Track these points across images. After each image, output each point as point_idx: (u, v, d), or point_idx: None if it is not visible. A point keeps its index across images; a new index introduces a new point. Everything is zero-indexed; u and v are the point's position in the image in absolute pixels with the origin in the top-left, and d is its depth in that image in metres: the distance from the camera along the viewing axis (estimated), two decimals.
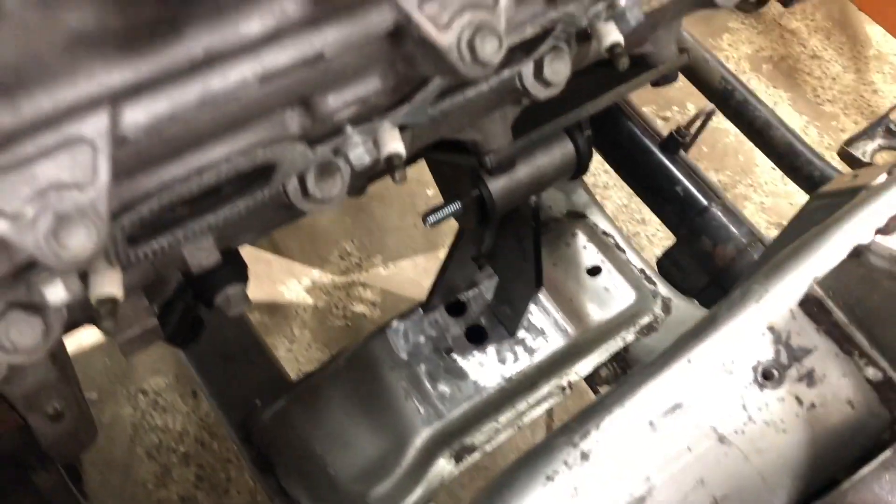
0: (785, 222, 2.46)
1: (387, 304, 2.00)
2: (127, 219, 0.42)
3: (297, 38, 0.39)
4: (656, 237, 2.13)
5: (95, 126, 0.34)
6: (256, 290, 1.96)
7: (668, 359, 0.73)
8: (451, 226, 2.36)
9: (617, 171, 1.41)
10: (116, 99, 0.35)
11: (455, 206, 0.91)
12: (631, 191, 2.24)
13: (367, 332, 1.87)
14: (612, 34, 0.64)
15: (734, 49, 2.57)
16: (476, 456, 1.09)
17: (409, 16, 0.40)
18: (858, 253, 0.68)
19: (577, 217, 1.35)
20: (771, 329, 0.72)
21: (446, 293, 1.18)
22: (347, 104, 0.47)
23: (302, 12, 0.37)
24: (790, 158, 1.37)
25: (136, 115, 0.36)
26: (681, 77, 1.54)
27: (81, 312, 0.58)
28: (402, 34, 0.43)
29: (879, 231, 0.74)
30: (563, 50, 0.65)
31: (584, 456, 0.69)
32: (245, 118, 0.42)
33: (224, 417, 1.23)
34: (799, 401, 0.70)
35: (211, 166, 0.43)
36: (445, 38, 0.41)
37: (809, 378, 0.70)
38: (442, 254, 2.16)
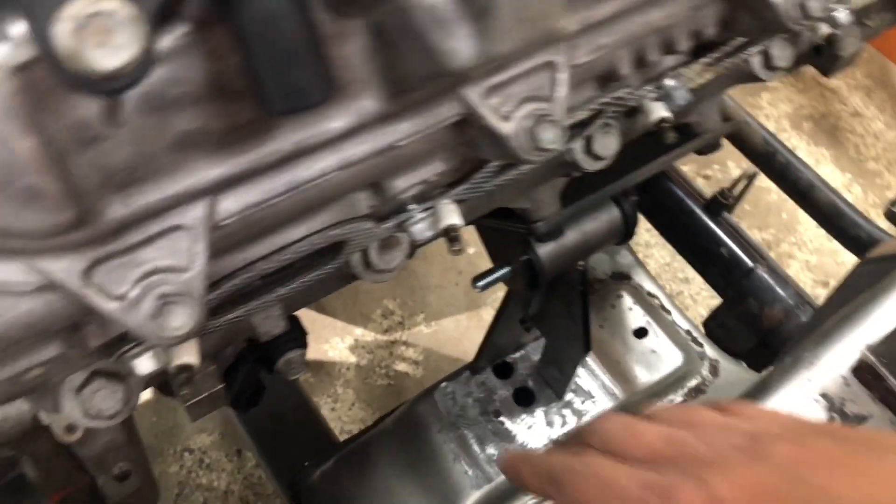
0: (831, 281, 2.42)
1: (429, 363, 2.01)
2: (213, 294, 0.45)
3: (374, 132, 0.42)
4: (700, 296, 2.12)
5: (195, 215, 0.37)
6: None
7: None
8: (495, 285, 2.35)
9: (661, 232, 1.42)
10: (214, 191, 0.38)
11: (504, 271, 0.94)
12: (673, 249, 2.23)
13: (410, 392, 1.88)
14: (658, 110, 0.67)
15: (774, 108, 2.58)
16: None
17: (475, 109, 0.43)
18: None
19: (622, 278, 1.36)
20: (824, 396, 0.72)
21: (493, 355, 1.19)
22: (413, 185, 0.50)
23: (379, 110, 0.41)
24: (836, 220, 1.37)
25: (230, 205, 0.39)
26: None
27: (153, 378, 0.61)
28: (466, 123, 0.46)
29: None
30: (612, 126, 0.68)
31: None
32: (322, 202, 0.45)
33: (273, 478, 1.25)
34: None
35: (289, 245, 0.46)
36: (507, 127, 0.44)
37: None
38: (484, 312, 2.18)
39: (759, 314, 1.26)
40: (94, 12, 0.25)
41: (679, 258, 2.38)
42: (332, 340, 2.01)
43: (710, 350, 1.29)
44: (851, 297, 0.83)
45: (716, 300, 2.00)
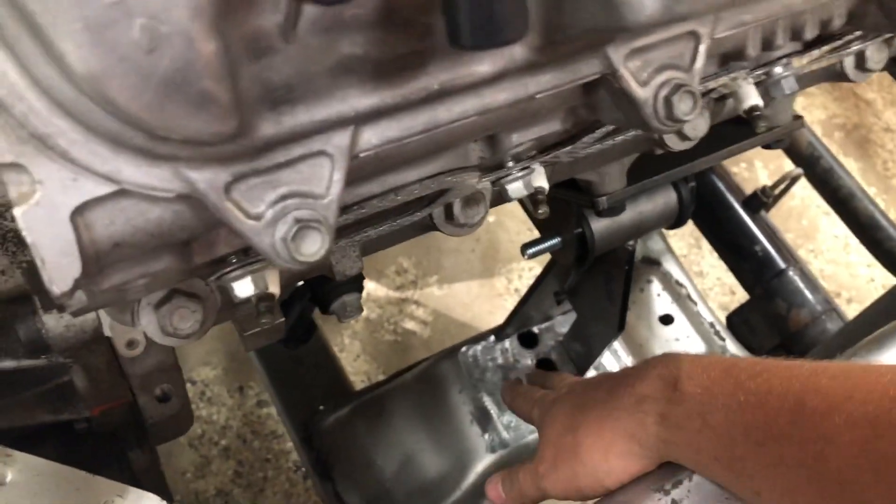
0: (843, 292, 2.42)
1: (438, 325, 2.02)
2: None
3: (516, 81, 0.41)
4: (712, 292, 2.13)
5: (338, 143, 0.37)
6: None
7: None
8: (509, 255, 2.36)
9: (696, 222, 1.42)
10: (360, 121, 0.37)
11: (555, 241, 0.93)
12: (691, 242, 2.24)
13: (416, 350, 1.88)
14: (752, 97, 0.66)
15: (808, 113, 2.57)
16: None
17: (616, 69, 0.42)
18: None
19: (653, 264, 1.36)
20: None
21: (521, 323, 1.20)
22: (526, 141, 0.49)
23: (527, 58, 0.40)
24: (872, 232, 1.37)
25: (371, 137, 0.39)
26: None
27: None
28: (599, 84, 0.45)
29: None
30: (704, 108, 0.67)
31: None
32: (446, 147, 0.45)
33: (286, 417, 1.26)
34: None
35: (404, 186, 0.45)
36: (644, 93, 0.43)
37: None
38: (497, 282, 2.18)
39: (786, 315, 1.27)
40: None
41: (695, 251, 2.38)
42: None
43: (731, 345, 1.29)
44: (885, 316, 0.82)
45: (727, 297, 2.01)
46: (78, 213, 0.35)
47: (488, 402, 1.15)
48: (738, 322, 1.34)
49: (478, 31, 0.29)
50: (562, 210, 0.93)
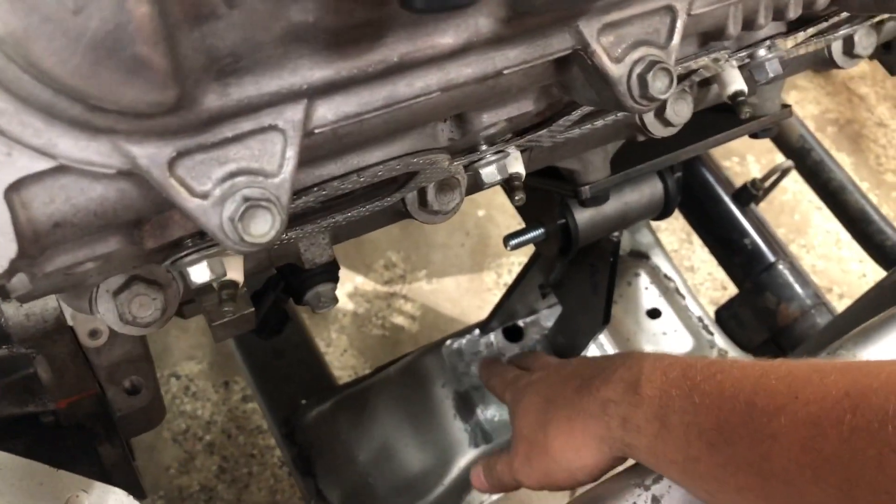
0: (835, 287, 2.40)
1: (426, 320, 2.00)
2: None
3: (483, 55, 0.39)
4: (703, 286, 2.11)
5: (290, 117, 0.35)
6: None
7: None
8: (499, 250, 2.34)
9: (685, 215, 1.40)
10: (313, 94, 0.35)
11: (538, 232, 0.92)
12: (682, 237, 2.22)
13: (404, 345, 1.86)
14: (736, 82, 0.64)
15: (800, 108, 2.55)
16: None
17: (588, 44, 0.40)
18: None
19: (641, 257, 1.34)
20: None
21: (505, 317, 1.18)
22: (496, 122, 0.47)
23: (493, 31, 0.38)
24: (862, 225, 1.35)
25: (326, 112, 0.37)
26: None
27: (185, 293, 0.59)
28: (571, 61, 0.43)
29: None
30: (687, 92, 0.65)
31: (656, 500, 0.68)
32: (410, 125, 0.43)
33: (268, 412, 1.24)
34: None
35: (367, 168, 0.43)
36: (617, 70, 0.41)
37: None
38: (486, 276, 2.17)
39: (774, 309, 1.25)
40: None
41: (686, 246, 2.36)
42: None
43: (719, 339, 1.28)
44: (873, 310, 0.81)
45: (718, 293, 2.00)
46: (13, 190, 0.33)
47: (472, 397, 1.13)
48: (726, 316, 1.32)
49: None
50: (545, 200, 0.92)
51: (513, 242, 0.91)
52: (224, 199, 0.34)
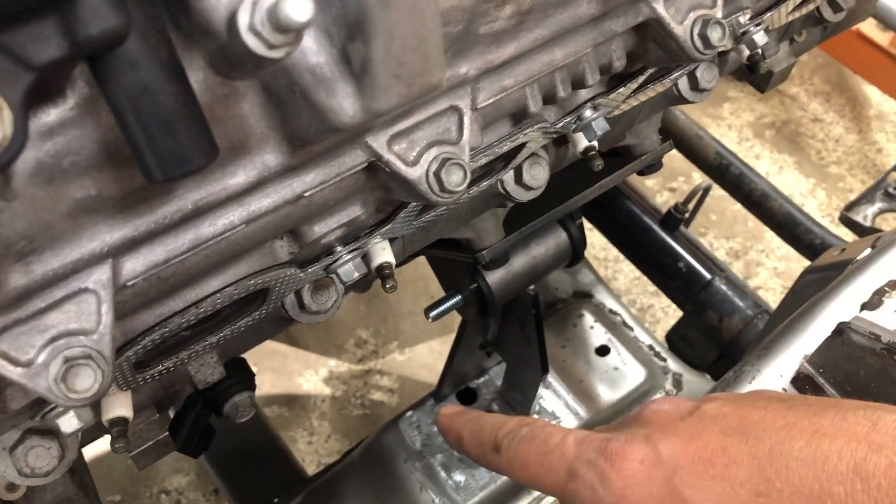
0: None
1: (404, 391, 2.01)
2: (132, 350, 0.46)
3: (279, 184, 0.43)
4: (671, 308, 2.14)
5: (98, 278, 0.38)
6: (274, 384, 1.99)
7: None
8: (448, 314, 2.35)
9: (619, 249, 1.44)
10: (116, 253, 0.39)
11: (456, 300, 0.95)
12: None
13: (385, 421, 1.87)
14: (582, 141, 0.68)
15: (736, 117, 2.62)
16: None
17: (381, 155, 0.44)
18: (840, 331, 0.69)
19: (584, 297, 1.37)
20: None
21: (456, 382, 1.20)
22: (332, 229, 0.51)
23: (281, 162, 0.42)
24: (790, 228, 1.39)
25: (135, 265, 0.40)
26: None
27: (96, 430, 0.61)
28: (376, 168, 0.47)
29: (864, 306, 0.76)
30: (541, 157, 0.69)
31: None
32: (235, 254, 0.46)
33: None
34: None
35: (205, 298, 0.47)
36: (414, 172, 0.45)
37: None
38: None
39: (718, 326, 1.28)
40: None
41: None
42: (306, 373, 2.01)
43: (673, 364, 1.30)
44: (795, 307, 0.84)
45: None
46: None
47: (436, 466, 1.15)
48: (676, 339, 1.35)
49: (165, 165, 0.31)
50: (456, 268, 0.95)
51: (433, 313, 0.94)
52: (48, 364, 0.37)
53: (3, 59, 0.27)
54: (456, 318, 2.26)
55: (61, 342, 0.38)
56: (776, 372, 0.75)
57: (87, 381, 0.37)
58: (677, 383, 1.27)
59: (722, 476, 0.40)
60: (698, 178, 2.44)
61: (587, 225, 1.37)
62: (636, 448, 0.42)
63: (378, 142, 0.44)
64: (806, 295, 0.87)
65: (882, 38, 2.14)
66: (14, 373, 0.37)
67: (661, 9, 0.52)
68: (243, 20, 0.30)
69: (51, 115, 0.34)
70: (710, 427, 0.43)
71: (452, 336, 2.13)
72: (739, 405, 0.44)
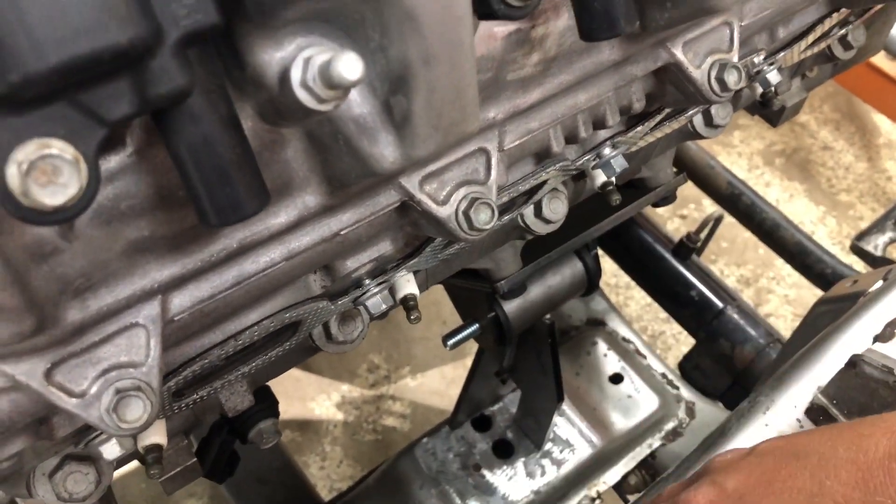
0: None
1: (416, 416, 2.02)
2: (173, 381, 0.48)
3: (317, 223, 0.45)
4: (683, 335, 2.14)
5: (148, 313, 0.40)
6: (287, 408, 2.00)
7: (686, 469, 0.75)
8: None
9: (633, 277, 1.46)
10: (166, 290, 0.41)
11: (473, 328, 0.97)
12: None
13: (399, 446, 1.87)
14: (600, 176, 0.70)
15: (746, 145, 2.64)
16: None
17: (413, 195, 0.47)
18: (854, 363, 0.71)
19: (597, 325, 1.39)
20: None
21: (471, 409, 1.21)
22: (363, 264, 0.53)
23: (320, 203, 0.44)
24: (801, 257, 1.41)
25: (182, 301, 0.42)
26: None
27: (128, 456, 0.63)
28: (407, 206, 0.49)
29: (877, 338, 0.77)
30: (560, 192, 0.71)
31: None
32: (273, 288, 0.48)
33: None
34: None
35: (244, 331, 0.49)
36: (444, 211, 0.47)
37: None
38: (469, 362, 2.18)
39: (730, 354, 1.29)
40: (42, 155, 0.28)
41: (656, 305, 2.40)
42: (319, 398, 2.02)
43: (686, 392, 1.31)
44: (808, 338, 0.86)
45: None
46: None
47: (451, 493, 1.16)
48: (689, 368, 1.36)
49: (221, 211, 0.33)
50: (474, 297, 0.97)
51: (451, 342, 0.96)
52: (100, 395, 0.39)
53: (80, 115, 0.29)
54: (468, 344, 2.27)
55: (113, 374, 0.40)
56: (790, 402, 0.76)
57: (136, 411, 0.39)
58: (690, 411, 1.28)
59: (781, 490, 0.47)
60: (709, 204, 2.46)
61: (599, 251, 1.39)
62: (703, 491, 0.51)
63: (411, 182, 0.46)
64: (819, 326, 0.88)
65: (891, 67, 2.17)
66: (69, 403, 0.39)
67: (679, 54, 0.55)
68: (296, 76, 0.33)
69: (111, 161, 0.36)
70: (766, 458, 0.51)
71: (464, 361, 2.15)
72: (790, 437, 0.52)
